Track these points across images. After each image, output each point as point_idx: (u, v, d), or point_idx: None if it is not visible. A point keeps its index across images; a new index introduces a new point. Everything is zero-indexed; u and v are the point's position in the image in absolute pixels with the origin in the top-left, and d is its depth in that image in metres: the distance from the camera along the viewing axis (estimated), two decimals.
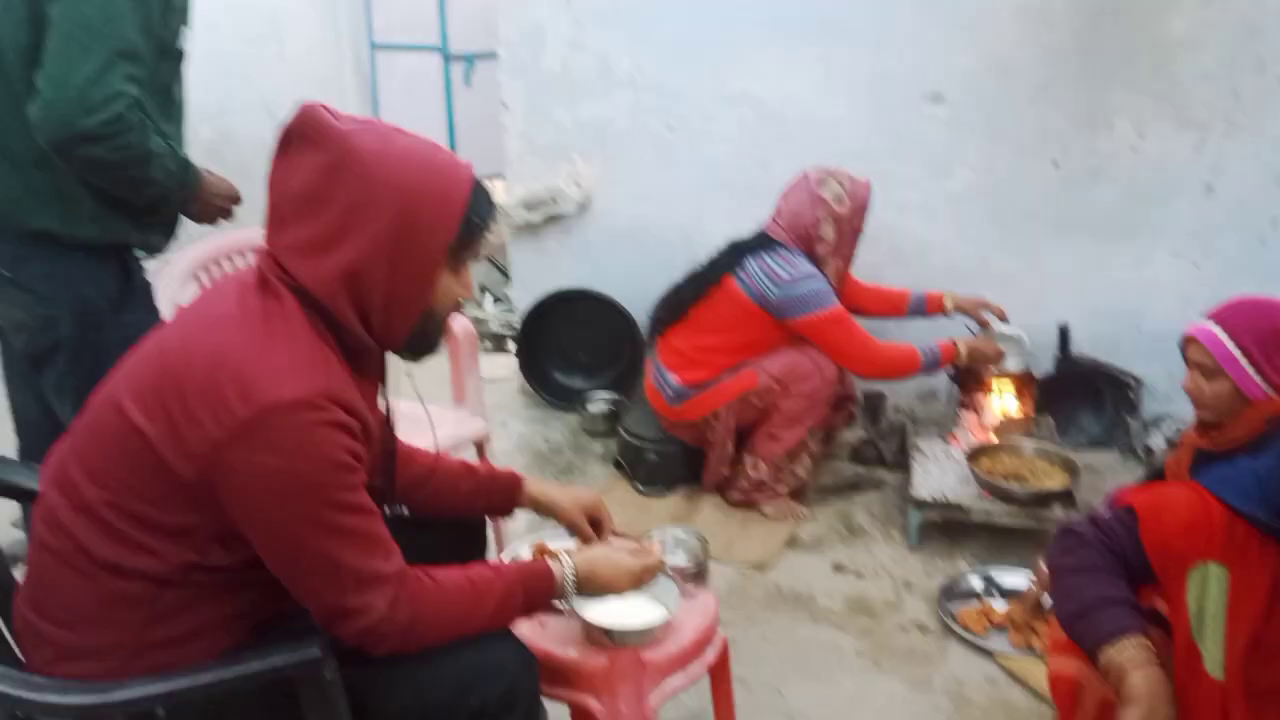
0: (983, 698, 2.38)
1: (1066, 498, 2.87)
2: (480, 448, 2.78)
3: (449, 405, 2.83)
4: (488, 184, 1.49)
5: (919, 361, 3.08)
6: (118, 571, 1.34)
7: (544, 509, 1.83)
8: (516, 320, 4.19)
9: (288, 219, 1.37)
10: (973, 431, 3.33)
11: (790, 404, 3.11)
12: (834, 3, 3.54)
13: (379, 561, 1.38)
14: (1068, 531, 1.73)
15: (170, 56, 2.21)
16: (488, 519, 1.92)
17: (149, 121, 2.06)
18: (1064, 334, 3.57)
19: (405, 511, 1.78)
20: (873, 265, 3.45)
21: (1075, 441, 3.54)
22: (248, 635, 1.45)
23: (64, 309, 2.18)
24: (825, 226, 3.04)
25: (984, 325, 3.30)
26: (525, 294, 4.13)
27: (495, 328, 4.83)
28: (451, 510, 1.82)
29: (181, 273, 2.47)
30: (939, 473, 3.13)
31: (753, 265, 3.05)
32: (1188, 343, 2.00)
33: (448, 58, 5.87)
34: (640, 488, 3.38)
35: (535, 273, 4.12)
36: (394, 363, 1.56)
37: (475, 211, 1.44)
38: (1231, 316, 1.94)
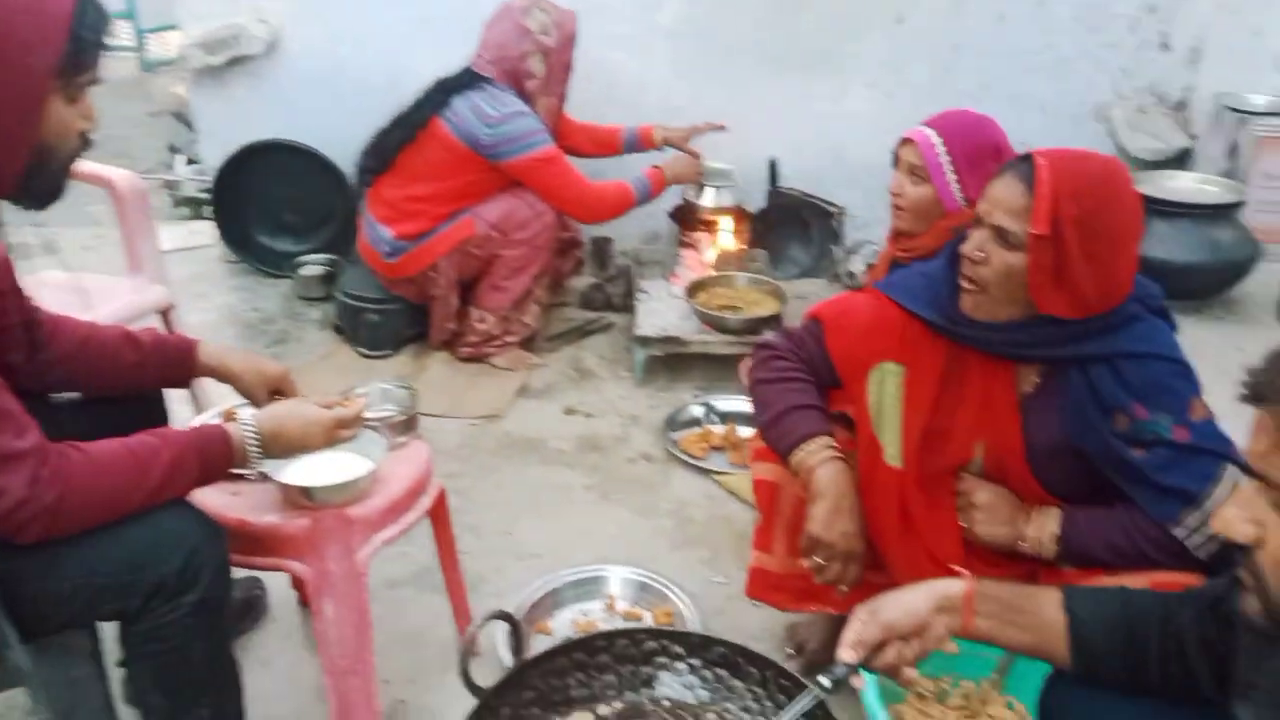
0: (703, 515, 2.50)
1: (776, 323, 3.02)
2: (166, 318, 2.52)
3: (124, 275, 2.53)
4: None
5: (632, 196, 3.07)
6: None
7: (222, 378, 1.67)
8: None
9: None
10: (692, 268, 3.40)
11: (512, 252, 3.03)
12: None
13: (8, 439, 1.21)
14: (762, 345, 1.79)
15: None
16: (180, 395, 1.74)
17: None
18: (773, 168, 3.69)
19: (77, 396, 1.57)
20: (590, 103, 3.37)
21: (787, 272, 3.71)
22: None
23: None
24: (533, 60, 2.91)
25: (695, 156, 3.32)
26: (215, 149, 3.73)
27: (191, 191, 4.37)
28: (120, 385, 1.63)
29: None
30: (662, 310, 3.19)
31: (460, 105, 2.88)
32: (903, 144, 2.03)
33: None
34: (363, 351, 3.23)
35: (224, 124, 3.72)
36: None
37: (82, 24, 1.22)
38: (948, 127, 1.98)
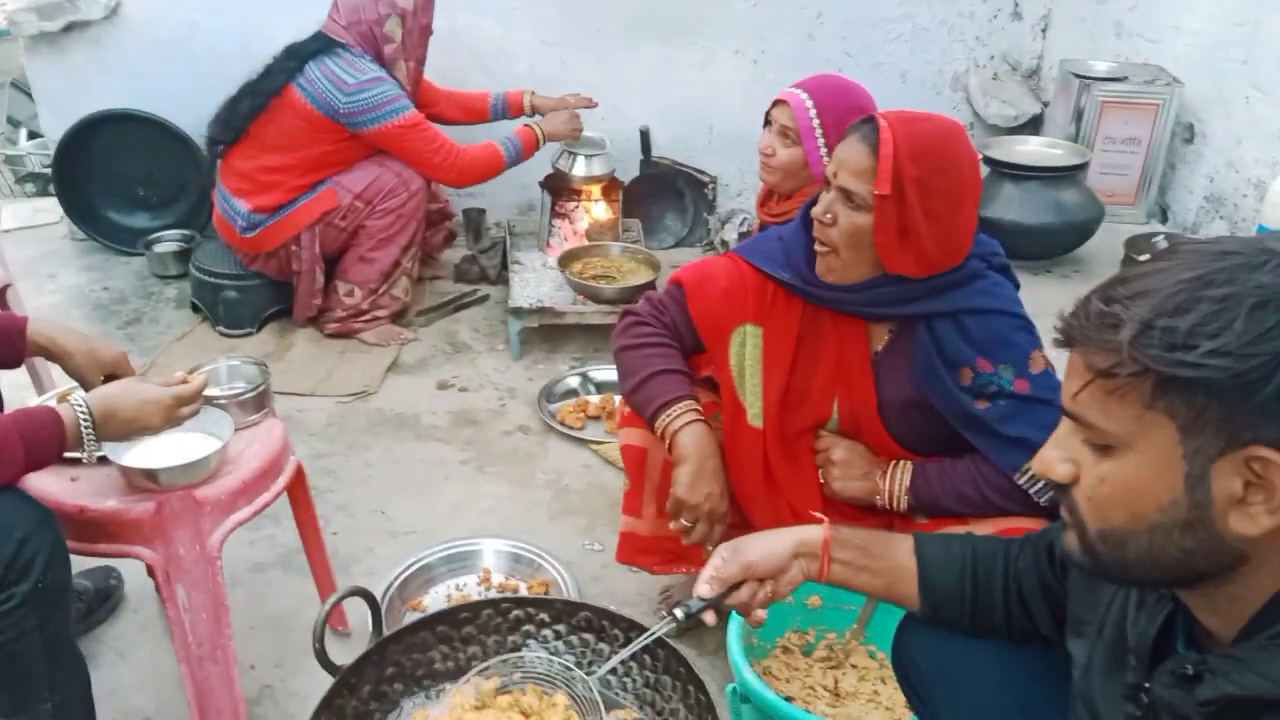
0: (580, 484, 2.50)
1: (650, 290, 3.02)
2: (3, 299, 2.36)
3: None
4: None
5: (502, 157, 3.00)
6: None
7: (53, 356, 1.57)
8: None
9: None
10: (566, 239, 3.38)
11: (378, 223, 2.95)
12: None
13: None
14: (627, 313, 1.79)
15: None
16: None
17: None
18: (645, 137, 3.68)
19: None
20: (456, 71, 3.30)
21: (661, 242, 3.73)
22: None
23: None
24: (390, 24, 2.82)
25: (572, 114, 3.27)
26: (55, 121, 3.50)
27: (35, 166, 4.11)
28: None
29: None
30: (536, 281, 3.16)
31: (315, 71, 2.77)
32: (777, 105, 2.04)
33: None
34: (223, 330, 3.10)
35: (64, 95, 3.49)
36: None
37: None
38: (820, 91, 2.00)
